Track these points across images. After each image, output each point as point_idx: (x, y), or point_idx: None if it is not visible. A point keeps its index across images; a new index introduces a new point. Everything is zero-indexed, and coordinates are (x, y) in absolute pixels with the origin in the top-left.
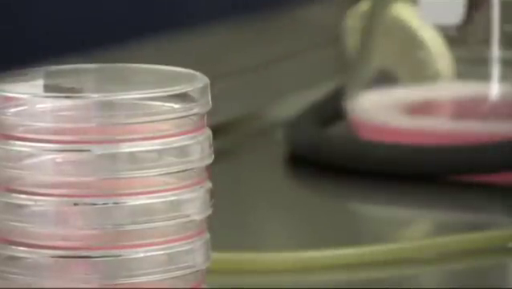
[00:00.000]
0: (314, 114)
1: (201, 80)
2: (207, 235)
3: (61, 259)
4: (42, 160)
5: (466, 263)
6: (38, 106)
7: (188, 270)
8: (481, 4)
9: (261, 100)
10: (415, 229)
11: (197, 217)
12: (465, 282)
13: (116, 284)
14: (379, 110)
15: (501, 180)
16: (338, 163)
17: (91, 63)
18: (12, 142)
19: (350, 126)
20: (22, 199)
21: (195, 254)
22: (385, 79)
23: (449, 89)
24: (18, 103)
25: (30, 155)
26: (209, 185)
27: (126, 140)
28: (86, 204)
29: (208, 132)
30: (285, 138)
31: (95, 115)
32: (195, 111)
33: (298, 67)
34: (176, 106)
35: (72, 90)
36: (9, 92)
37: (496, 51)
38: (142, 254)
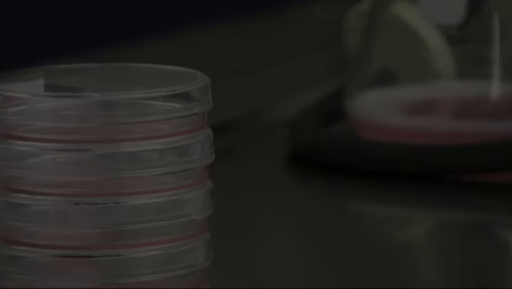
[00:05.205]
0: (315, 113)
1: (201, 80)
2: (208, 235)
3: (62, 259)
4: (43, 160)
5: (466, 263)
6: (38, 105)
7: (188, 270)
8: (482, 3)
9: (262, 100)
10: (415, 229)
11: (198, 217)
12: (465, 282)
13: (117, 283)
14: (379, 109)
15: (502, 179)
16: (339, 162)
17: (91, 62)
18: (13, 142)
19: (351, 125)
20: (23, 199)
21: (196, 253)
22: (386, 78)
23: (449, 89)
24: (18, 103)
25: (31, 154)
26: (209, 184)
27: (127, 139)
28: (87, 203)
29: (209, 131)
30: (286, 137)
31: (95, 114)
32: (196, 110)
33: (298, 66)
34: (177, 105)
35: (73, 89)
36: (9, 92)
37: (496, 51)
38: (143, 254)
